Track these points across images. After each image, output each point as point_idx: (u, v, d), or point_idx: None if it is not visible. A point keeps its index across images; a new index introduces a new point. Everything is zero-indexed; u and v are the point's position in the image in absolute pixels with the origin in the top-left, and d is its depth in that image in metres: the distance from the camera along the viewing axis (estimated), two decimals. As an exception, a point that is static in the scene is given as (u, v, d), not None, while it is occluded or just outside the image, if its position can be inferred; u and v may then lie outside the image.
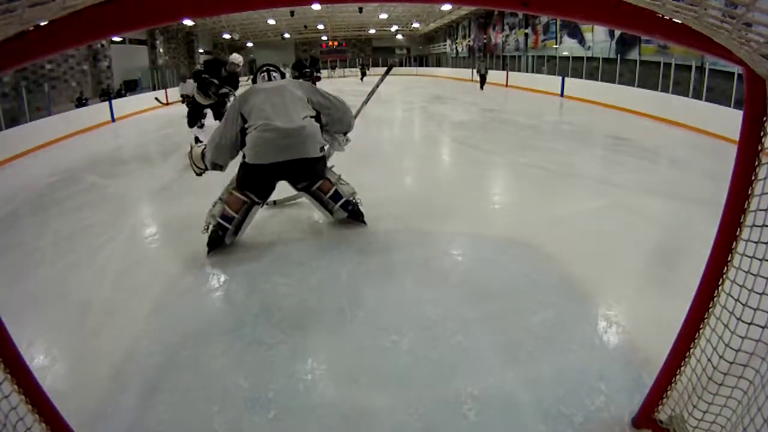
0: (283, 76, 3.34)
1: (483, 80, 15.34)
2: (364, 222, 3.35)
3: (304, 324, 2.20)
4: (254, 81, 3.31)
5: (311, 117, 2.88)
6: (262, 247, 3.09)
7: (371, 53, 29.96)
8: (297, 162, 2.77)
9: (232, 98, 5.14)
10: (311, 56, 12.72)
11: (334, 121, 3.10)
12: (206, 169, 3.09)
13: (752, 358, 1.16)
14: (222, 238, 3.00)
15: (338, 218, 3.37)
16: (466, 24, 22.44)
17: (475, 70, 16.06)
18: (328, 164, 3.27)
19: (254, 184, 2.92)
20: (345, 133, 3.32)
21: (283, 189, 3.29)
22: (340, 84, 18.79)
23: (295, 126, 2.72)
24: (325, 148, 3.02)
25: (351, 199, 3.26)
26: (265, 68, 3.33)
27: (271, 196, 3.13)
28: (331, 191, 3.19)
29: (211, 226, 2.98)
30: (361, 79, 22.92)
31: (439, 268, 2.75)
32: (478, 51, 20.34)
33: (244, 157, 2.81)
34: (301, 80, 3.31)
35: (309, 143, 2.79)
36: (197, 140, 3.44)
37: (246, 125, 2.78)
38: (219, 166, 3.01)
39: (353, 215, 3.34)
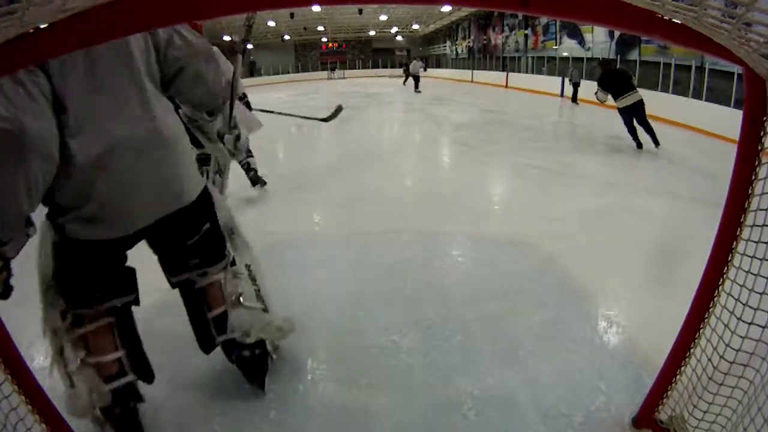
0: None
1: (576, 92, 11.22)
2: (261, 386, 1.72)
3: (304, 324, 2.20)
4: None
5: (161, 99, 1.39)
6: (261, 247, 3.09)
7: (371, 55, 29.96)
8: (166, 219, 1.42)
9: None
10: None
11: (198, 84, 1.49)
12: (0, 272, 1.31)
13: (753, 358, 1.16)
14: (135, 411, 1.52)
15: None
16: (466, 25, 22.45)
17: (567, 79, 11.72)
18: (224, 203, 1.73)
19: (89, 284, 1.41)
20: (211, 113, 1.66)
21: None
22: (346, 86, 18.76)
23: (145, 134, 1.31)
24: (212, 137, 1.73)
25: (245, 341, 1.67)
26: None
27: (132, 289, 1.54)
28: (217, 311, 1.65)
29: (99, 413, 1.46)
30: (404, 82, 18.26)
31: (439, 268, 2.75)
32: (571, 61, 12.92)
33: (53, 228, 1.35)
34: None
35: (181, 172, 1.43)
36: None
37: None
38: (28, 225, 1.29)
39: (241, 367, 1.72)
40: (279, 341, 1.83)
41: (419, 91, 15.33)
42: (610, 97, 6.06)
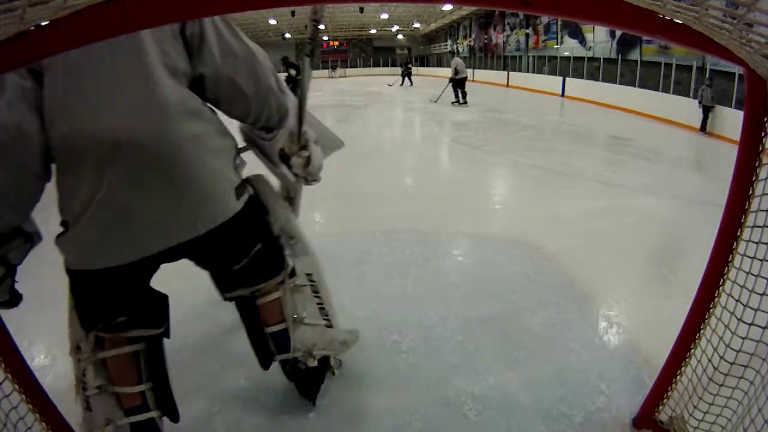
0: None
1: (707, 115, 7.70)
2: (311, 401, 1.64)
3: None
4: None
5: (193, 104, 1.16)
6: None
7: (372, 53, 29.95)
8: (189, 244, 1.18)
9: None
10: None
11: (236, 98, 1.26)
12: (2, 281, 1.24)
13: (753, 358, 1.16)
14: None
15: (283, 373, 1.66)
16: (467, 24, 22.44)
17: (698, 102, 7.84)
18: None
19: (107, 311, 1.24)
20: (269, 130, 1.39)
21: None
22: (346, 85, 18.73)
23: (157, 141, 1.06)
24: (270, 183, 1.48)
25: (308, 361, 1.56)
26: None
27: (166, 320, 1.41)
28: (277, 328, 1.50)
29: None
30: (401, 83, 17.38)
31: (439, 268, 2.75)
32: (700, 73, 8.72)
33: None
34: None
35: (202, 187, 1.16)
36: None
37: (47, 113, 1.03)
38: (19, 235, 1.21)
39: (297, 385, 1.64)
40: (341, 354, 1.71)
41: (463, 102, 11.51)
42: None
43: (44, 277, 2.89)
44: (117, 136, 1.01)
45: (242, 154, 1.35)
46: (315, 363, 1.56)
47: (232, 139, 1.28)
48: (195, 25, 1.13)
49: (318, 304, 1.58)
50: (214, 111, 1.25)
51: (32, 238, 1.22)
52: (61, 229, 1.15)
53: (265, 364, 1.54)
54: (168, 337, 1.39)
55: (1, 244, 1.14)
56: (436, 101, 11.98)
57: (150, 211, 1.09)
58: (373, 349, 1.98)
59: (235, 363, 1.93)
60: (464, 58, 22.85)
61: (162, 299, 1.36)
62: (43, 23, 0.69)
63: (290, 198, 1.67)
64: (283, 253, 1.48)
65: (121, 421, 1.30)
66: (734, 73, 7.34)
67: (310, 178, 1.50)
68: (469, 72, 12.28)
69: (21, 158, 1.01)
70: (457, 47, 24.12)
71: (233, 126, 1.38)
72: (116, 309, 1.23)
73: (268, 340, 1.51)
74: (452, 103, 11.52)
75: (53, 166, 1.09)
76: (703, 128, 7.74)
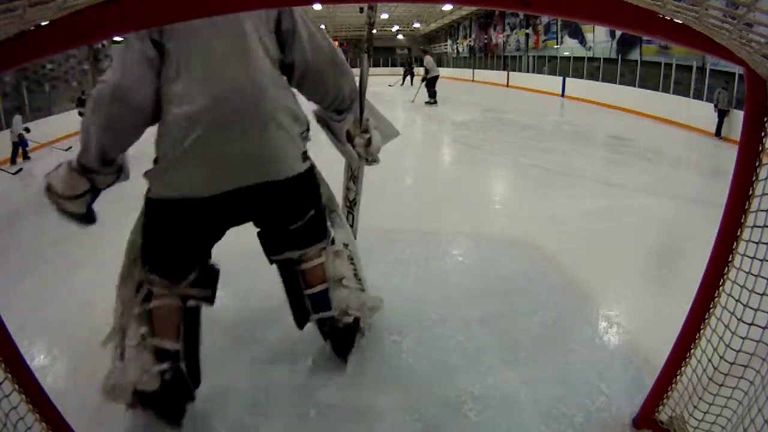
0: None
1: (722, 120, 7.41)
2: (344, 359, 1.83)
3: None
4: None
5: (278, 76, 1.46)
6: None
7: (372, 53, 29.92)
8: (258, 191, 1.43)
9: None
10: None
11: (318, 84, 1.57)
12: (86, 194, 1.46)
13: (753, 358, 1.16)
14: (180, 392, 1.49)
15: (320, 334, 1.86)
16: (467, 24, 22.44)
17: (714, 105, 7.50)
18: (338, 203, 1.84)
19: (176, 250, 1.47)
20: (339, 112, 1.69)
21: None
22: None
23: (251, 104, 1.35)
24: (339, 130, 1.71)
25: (343, 319, 1.76)
26: None
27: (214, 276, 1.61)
28: (317, 288, 1.71)
29: (139, 389, 1.42)
30: (402, 84, 16.74)
31: (439, 268, 2.75)
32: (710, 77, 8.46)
33: (148, 185, 1.46)
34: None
35: (276, 144, 1.42)
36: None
37: (164, 74, 1.33)
38: (116, 172, 1.49)
39: (334, 343, 1.82)
40: (370, 319, 1.88)
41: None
42: None
43: (44, 277, 2.90)
44: (225, 95, 1.32)
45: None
46: (351, 320, 1.76)
47: (304, 116, 1.54)
48: (289, 23, 1.45)
49: (353, 269, 1.85)
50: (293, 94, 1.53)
51: (122, 171, 1.50)
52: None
53: (300, 324, 1.79)
54: (211, 304, 1.61)
55: (98, 170, 1.43)
56: (413, 101, 12.05)
57: (234, 153, 1.36)
58: (373, 349, 1.98)
59: (235, 363, 1.93)
60: (464, 58, 22.87)
61: (215, 270, 1.60)
62: (43, 23, 0.69)
63: (354, 176, 1.96)
64: (326, 223, 1.73)
65: (153, 370, 1.43)
66: (734, 74, 7.32)
67: (371, 158, 1.79)
68: (468, 72, 12.31)
69: (138, 102, 1.31)
70: (457, 47, 24.11)
71: (307, 108, 1.60)
72: (185, 250, 1.48)
73: (305, 302, 1.73)
74: (426, 102, 11.44)
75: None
76: (717, 133, 7.39)
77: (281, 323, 2.20)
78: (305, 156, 1.55)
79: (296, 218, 1.58)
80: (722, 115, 7.41)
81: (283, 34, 1.46)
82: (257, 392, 1.74)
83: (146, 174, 1.42)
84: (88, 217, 1.52)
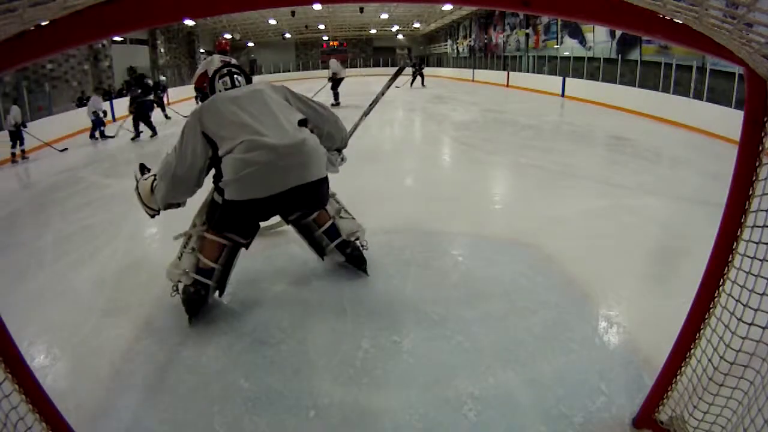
0: (249, 81, 2.40)
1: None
2: (365, 271, 2.63)
3: (305, 324, 2.20)
4: (211, 90, 2.36)
5: (305, 125, 2.19)
6: (261, 248, 3.10)
7: (372, 53, 29.92)
8: (300, 189, 2.03)
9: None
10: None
11: (324, 135, 2.35)
12: (158, 210, 2.31)
13: (753, 358, 1.16)
14: (204, 298, 2.24)
15: (333, 261, 2.70)
16: (467, 24, 22.43)
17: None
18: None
19: (239, 225, 2.19)
20: (339, 150, 2.58)
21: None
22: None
23: (294, 140, 1.99)
24: (335, 162, 2.48)
25: (352, 239, 2.59)
26: (225, 69, 2.35)
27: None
28: (327, 224, 2.52)
29: (181, 286, 2.26)
30: (411, 84, 16.42)
31: (439, 268, 2.75)
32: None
33: (218, 192, 2.08)
34: (271, 83, 2.36)
35: (314, 161, 2.06)
36: (143, 169, 2.45)
37: (220, 152, 2.00)
38: (176, 205, 2.30)
39: (352, 260, 2.61)
40: (363, 239, 2.67)
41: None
42: None
43: (44, 277, 2.90)
44: (273, 144, 1.95)
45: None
46: (365, 242, 2.68)
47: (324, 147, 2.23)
48: (299, 103, 2.29)
49: (343, 207, 2.65)
50: None
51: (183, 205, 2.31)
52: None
53: (321, 254, 2.63)
54: (247, 248, 2.31)
55: (163, 210, 2.30)
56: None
57: (280, 166, 1.96)
58: (374, 349, 1.99)
59: (235, 363, 1.94)
60: (464, 58, 22.85)
61: (258, 227, 2.32)
62: (43, 23, 0.69)
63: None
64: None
65: (192, 274, 2.21)
66: (734, 73, 7.32)
67: (338, 168, 2.52)
68: (468, 72, 12.33)
69: (192, 180, 2.12)
70: (457, 47, 24.11)
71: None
72: (251, 230, 2.26)
73: (322, 238, 2.55)
74: (331, 105, 11.31)
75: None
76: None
77: (281, 324, 2.21)
78: (327, 165, 2.20)
79: (320, 205, 2.35)
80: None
81: (293, 105, 2.26)
82: (257, 392, 1.74)
83: (222, 183, 1.99)
84: (155, 214, 2.36)
